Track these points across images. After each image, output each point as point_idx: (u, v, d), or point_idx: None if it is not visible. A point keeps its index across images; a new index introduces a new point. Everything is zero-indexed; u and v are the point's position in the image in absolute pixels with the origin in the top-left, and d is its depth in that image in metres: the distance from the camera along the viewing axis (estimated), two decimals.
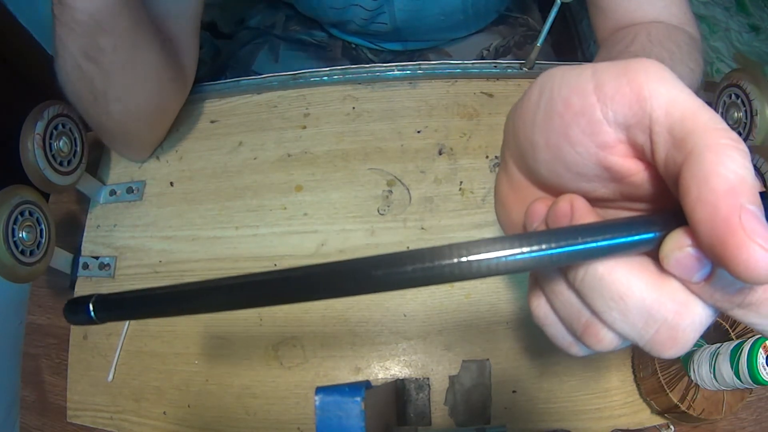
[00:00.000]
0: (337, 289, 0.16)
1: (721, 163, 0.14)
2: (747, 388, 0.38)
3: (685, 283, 0.17)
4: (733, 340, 0.39)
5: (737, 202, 0.14)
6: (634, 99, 0.17)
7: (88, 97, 0.46)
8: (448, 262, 0.15)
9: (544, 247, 0.16)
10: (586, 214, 0.19)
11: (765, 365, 0.35)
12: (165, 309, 0.19)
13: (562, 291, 0.19)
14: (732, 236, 0.14)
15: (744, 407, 0.43)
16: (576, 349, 0.21)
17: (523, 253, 0.16)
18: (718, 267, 0.16)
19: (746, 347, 0.36)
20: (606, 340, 0.19)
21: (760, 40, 1.20)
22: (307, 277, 0.17)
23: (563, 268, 0.19)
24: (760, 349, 0.35)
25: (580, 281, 0.18)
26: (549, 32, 0.51)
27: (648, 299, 0.17)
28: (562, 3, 0.48)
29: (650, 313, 0.17)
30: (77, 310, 0.20)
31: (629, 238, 0.16)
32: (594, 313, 0.18)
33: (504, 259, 0.15)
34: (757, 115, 0.42)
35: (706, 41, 1.18)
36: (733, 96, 0.45)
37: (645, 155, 0.18)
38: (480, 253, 0.15)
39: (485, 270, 0.15)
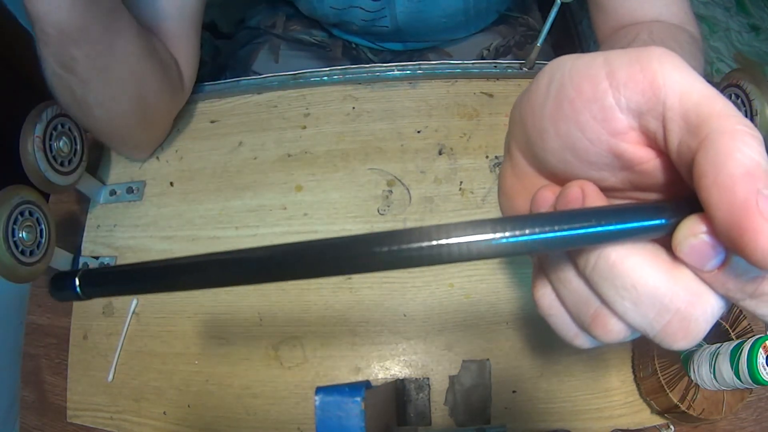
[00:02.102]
0: (325, 269, 0.16)
1: (737, 148, 0.14)
2: (747, 388, 0.38)
3: (697, 272, 0.17)
4: (733, 340, 0.39)
5: (754, 187, 0.14)
6: (647, 86, 0.17)
7: (71, 103, 0.46)
8: (509, 233, 0.15)
9: (557, 228, 0.15)
10: (597, 200, 0.18)
11: (765, 365, 0.35)
12: (155, 284, 0.18)
13: (570, 279, 0.19)
14: (749, 220, 0.13)
15: (744, 407, 0.43)
16: (582, 341, 0.21)
17: (535, 233, 0.15)
18: (732, 254, 0.16)
19: (746, 347, 0.36)
20: (615, 330, 0.18)
21: (760, 40, 1.20)
22: (298, 252, 0.16)
23: (573, 256, 0.19)
24: (760, 349, 0.35)
25: (591, 269, 0.18)
26: (549, 32, 0.51)
27: (661, 288, 0.17)
28: (562, 3, 0.48)
29: (662, 302, 0.17)
30: (63, 286, 0.19)
31: (643, 223, 0.16)
32: (604, 302, 0.18)
33: (519, 239, 0.15)
34: (757, 115, 0.42)
35: (706, 41, 1.18)
36: (733, 96, 0.45)
37: (657, 142, 0.18)
38: (496, 232, 0.15)
39: (510, 249, 0.15)
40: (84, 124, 0.50)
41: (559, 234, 0.15)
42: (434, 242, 0.15)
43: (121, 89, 0.47)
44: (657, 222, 0.16)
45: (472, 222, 0.15)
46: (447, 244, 0.15)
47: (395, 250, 0.15)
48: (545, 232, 0.15)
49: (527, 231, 0.15)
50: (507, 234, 0.15)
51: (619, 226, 0.16)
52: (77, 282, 0.18)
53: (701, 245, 0.16)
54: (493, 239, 0.15)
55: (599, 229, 0.16)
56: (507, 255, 0.15)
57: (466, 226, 0.15)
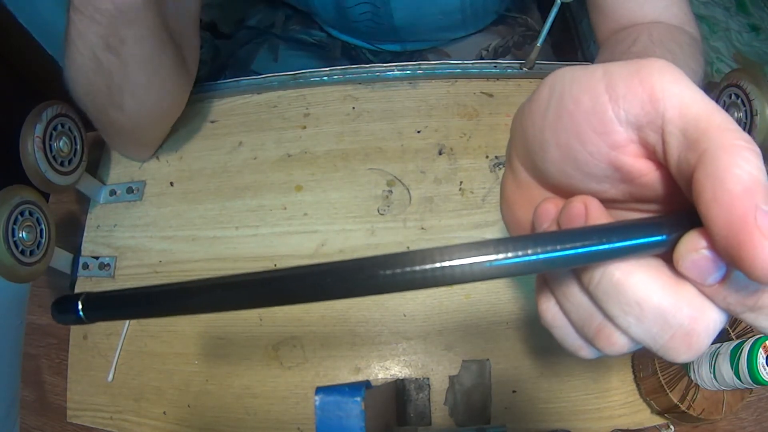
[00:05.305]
0: (328, 292, 0.16)
1: (735, 164, 0.14)
2: (747, 388, 0.38)
3: (698, 286, 0.17)
4: (733, 340, 0.39)
5: (753, 203, 0.14)
6: (646, 99, 0.17)
7: (103, 91, 0.46)
8: (503, 255, 0.15)
9: (558, 247, 0.15)
10: (600, 216, 0.18)
11: (765, 365, 0.35)
12: (157, 308, 0.18)
13: (574, 294, 0.19)
14: (748, 236, 0.14)
15: (744, 407, 0.43)
16: (586, 352, 0.21)
17: (537, 253, 0.15)
18: (732, 269, 0.16)
19: (746, 347, 0.36)
20: (618, 344, 0.19)
21: (760, 40, 1.20)
22: (311, 275, 0.16)
23: (577, 272, 0.19)
24: (760, 349, 0.35)
25: (595, 285, 0.18)
26: (549, 32, 0.51)
27: (664, 304, 0.17)
28: (562, 3, 0.48)
29: (666, 318, 0.17)
30: (65, 309, 0.19)
31: (644, 240, 0.16)
32: (608, 317, 0.18)
33: (522, 260, 0.15)
34: (757, 115, 0.42)
35: (706, 41, 1.18)
36: (733, 96, 0.45)
37: (656, 155, 0.18)
38: (498, 253, 0.15)
39: (514, 270, 0.15)
40: (105, 114, 0.49)
41: (561, 254, 0.15)
42: (437, 264, 0.15)
43: (158, 82, 0.48)
44: (659, 238, 0.16)
45: (475, 243, 0.15)
46: (450, 266, 0.15)
47: (399, 273, 0.15)
48: (548, 252, 0.15)
49: (530, 251, 0.15)
50: (510, 255, 0.15)
51: (621, 244, 0.16)
52: (80, 306, 0.18)
53: (702, 260, 0.16)
54: (496, 260, 0.15)
55: (602, 247, 0.16)
56: (511, 275, 0.15)
57: (469, 248, 0.15)
